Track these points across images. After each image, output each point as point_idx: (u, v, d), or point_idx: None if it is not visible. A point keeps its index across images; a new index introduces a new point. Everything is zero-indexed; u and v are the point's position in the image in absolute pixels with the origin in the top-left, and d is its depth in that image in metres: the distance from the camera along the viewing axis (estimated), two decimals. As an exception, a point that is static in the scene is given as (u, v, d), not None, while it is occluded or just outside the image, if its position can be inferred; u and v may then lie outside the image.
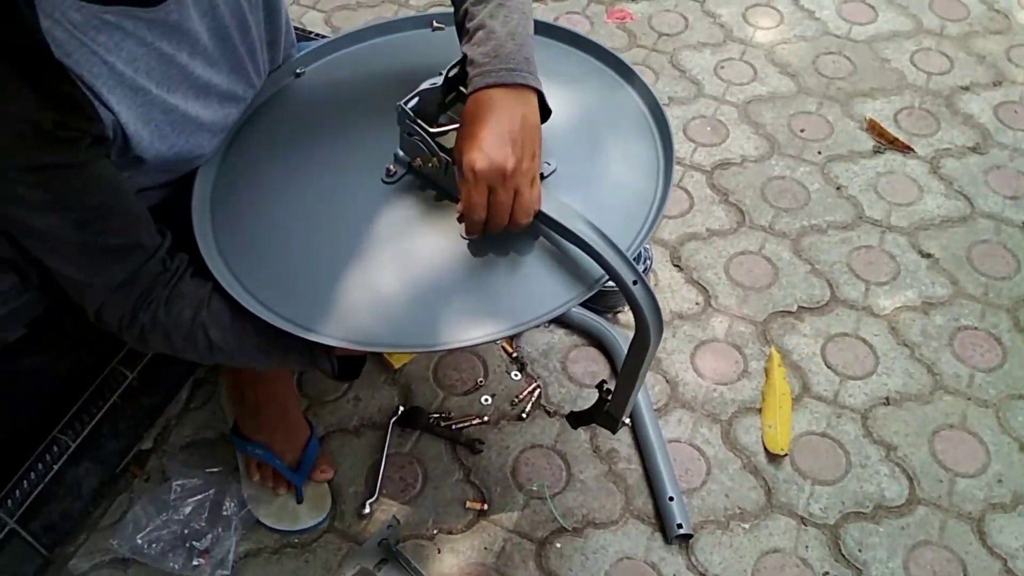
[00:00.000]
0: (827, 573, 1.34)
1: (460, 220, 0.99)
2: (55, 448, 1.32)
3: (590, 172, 1.07)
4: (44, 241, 0.93)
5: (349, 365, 1.11)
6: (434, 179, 1.04)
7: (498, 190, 0.92)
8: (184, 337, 1.01)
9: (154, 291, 0.99)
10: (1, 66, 0.81)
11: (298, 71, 1.23)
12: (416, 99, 0.98)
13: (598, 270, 0.96)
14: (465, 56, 1.00)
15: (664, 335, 1.59)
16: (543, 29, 1.20)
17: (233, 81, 1.06)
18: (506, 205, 0.93)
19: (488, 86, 0.95)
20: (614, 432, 1.22)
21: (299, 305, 0.98)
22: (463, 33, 1.03)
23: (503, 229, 0.96)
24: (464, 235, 0.99)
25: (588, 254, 0.93)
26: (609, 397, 1.15)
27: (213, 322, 1.01)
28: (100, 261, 0.95)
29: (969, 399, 1.53)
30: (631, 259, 0.92)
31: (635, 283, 0.92)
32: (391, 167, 1.06)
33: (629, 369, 1.04)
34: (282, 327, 0.96)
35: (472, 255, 1.00)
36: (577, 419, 1.22)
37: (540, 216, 0.96)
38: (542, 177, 1.01)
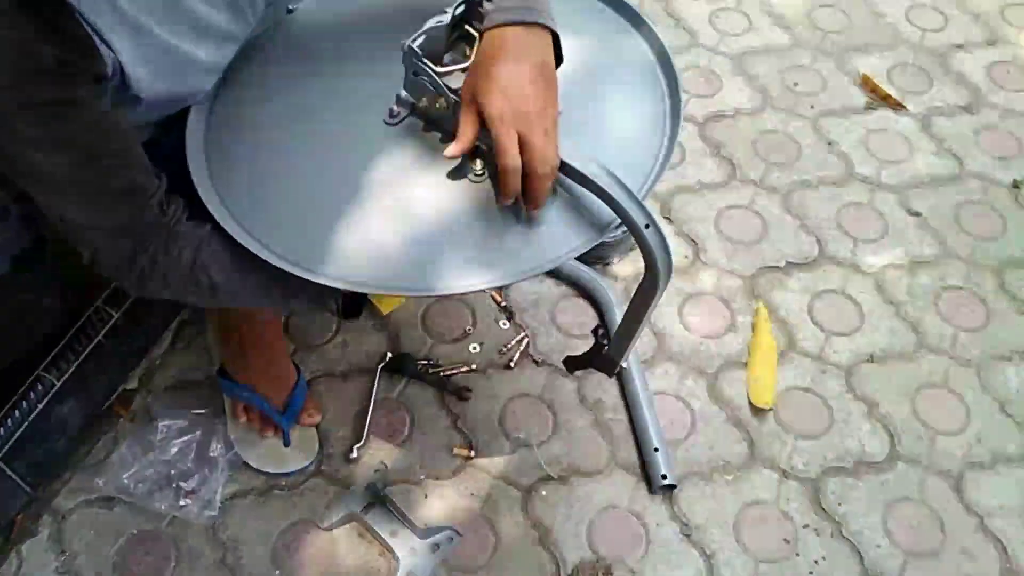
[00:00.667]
0: (807, 526, 1.36)
1: (452, 159, 0.96)
2: (39, 386, 1.31)
3: (594, 119, 1.05)
4: (44, 182, 0.90)
5: (351, 304, 1.10)
6: (439, 120, 1.02)
7: (530, 134, 0.89)
8: (184, 279, 1.00)
9: (152, 234, 0.97)
10: None
11: (290, 7, 1.19)
12: (422, 37, 0.96)
13: (605, 216, 0.95)
14: None
15: (654, 287, 1.60)
16: None
17: (230, 20, 1.03)
18: (542, 148, 0.89)
19: (507, 23, 0.92)
20: (611, 376, 1.23)
21: (299, 245, 0.96)
22: None
23: (539, 184, 0.92)
24: (502, 200, 0.95)
25: (599, 196, 0.92)
26: (605, 342, 1.16)
27: (214, 262, 1.00)
28: (100, 202, 0.93)
29: (952, 358, 1.55)
30: (643, 202, 0.91)
31: (647, 227, 0.91)
32: (394, 108, 1.03)
33: (633, 312, 1.04)
34: (282, 267, 0.94)
35: (475, 200, 0.98)
36: (574, 363, 1.22)
37: None
38: None
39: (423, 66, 0.95)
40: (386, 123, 1.03)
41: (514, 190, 0.92)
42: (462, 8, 0.98)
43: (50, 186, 0.90)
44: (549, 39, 0.95)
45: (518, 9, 0.93)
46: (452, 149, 0.93)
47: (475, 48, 0.97)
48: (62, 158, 0.88)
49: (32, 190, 0.91)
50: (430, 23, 0.97)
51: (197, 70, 1.01)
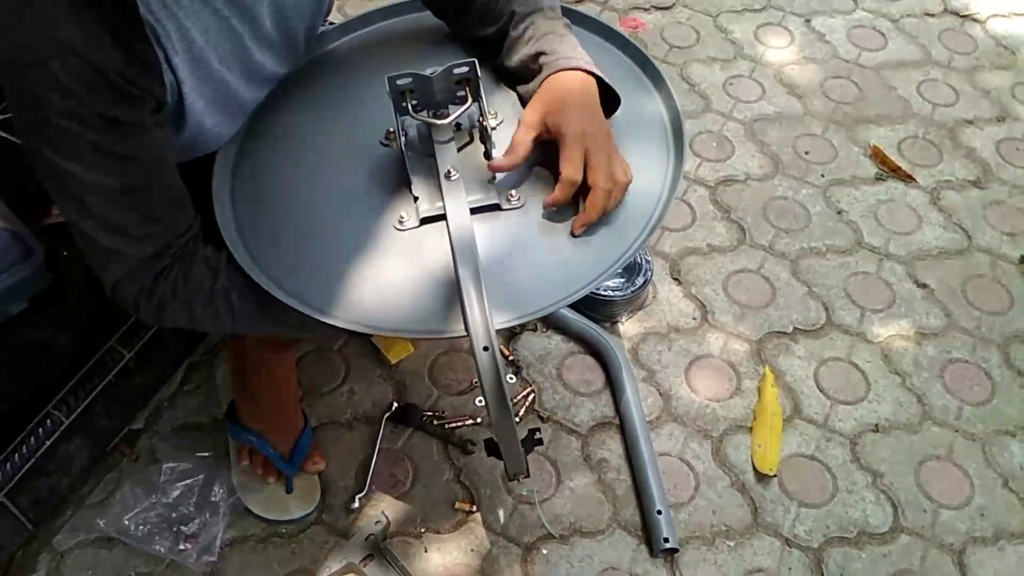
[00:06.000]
0: (808, 595, 1.36)
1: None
2: (48, 423, 1.31)
3: None
4: (88, 202, 0.91)
5: None
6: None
7: (598, 152, 0.98)
8: (205, 305, 1.01)
9: (175, 264, 0.99)
10: (89, 10, 0.81)
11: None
12: (409, 79, 0.99)
13: (612, 255, 0.97)
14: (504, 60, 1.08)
15: (659, 348, 1.61)
16: (585, 21, 1.21)
17: (276, 64, 1.08)
18: (606, 166, 0.98)
19: (570, 68, 1.02)
20: (509, 479, 1.28)
21: (315, 287, 0.98)
22: (518, 40, 1.09)
23: (595, 212, 0.98)
24: (550, 203, 1.00)
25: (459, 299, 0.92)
26: (538, 436, 1.15)
27: (234, 287, 1.01)
28: (136, 230, 0.95)
29: (956, 431, 1.55)
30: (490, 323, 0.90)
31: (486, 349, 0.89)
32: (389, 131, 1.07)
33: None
34: (300, 309, 0.96)
35: (487, 242, 1.00)
36: (491, 448, 1.15)
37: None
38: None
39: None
40: (381, 143, 1.07)
41: (564, 199, 0.99)
42: (465, 69, 1.01)
43: (89, 207, 0.91)
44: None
45: (579, 61, 1.03)
46: (504, 161, 1.00)
47: (538, 83, 1.04)
48: (110, 179, 0.90)
49: (68, 210, 0.93)
50: (427, 71, 1.00)
51: (241, 112, 1.05)
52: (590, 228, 1.00)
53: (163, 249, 0.97)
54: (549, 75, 1.02)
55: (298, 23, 1.08)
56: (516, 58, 1.09)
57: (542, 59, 1.04)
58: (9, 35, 0.81)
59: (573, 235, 1.00)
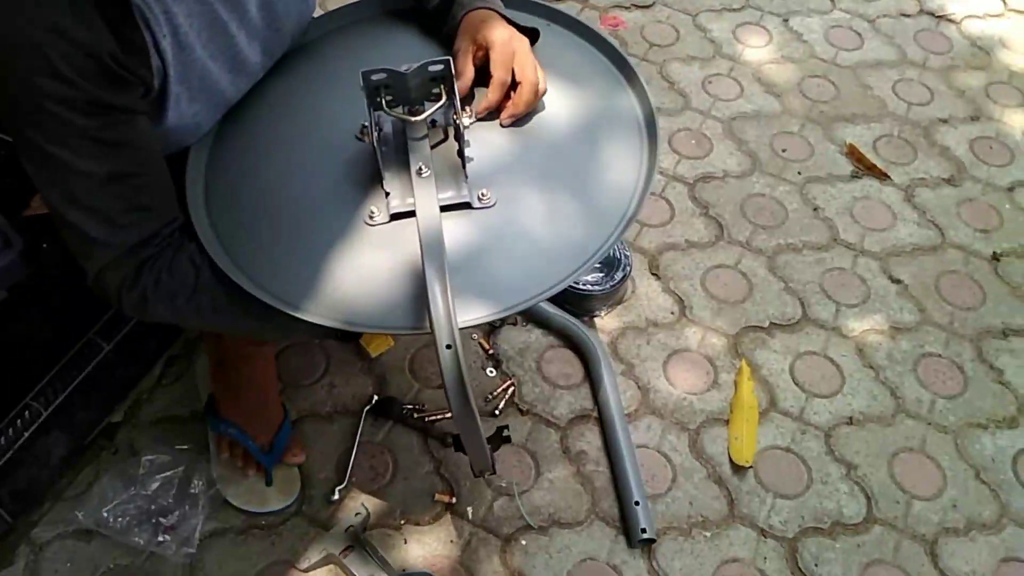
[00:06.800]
0: (783, 585, 1.38)
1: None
2: (27, 415, 1.31)
3: (574, 166, 1.08)
4: (75, 189, 0.91)
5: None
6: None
7: (523, 54, 1.07)
8: (188, 299, 1.00)
9: (159, 255, 0.99)
10: None
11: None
12: (384, 75, 0.99)
13: (592, 245, 0.98)
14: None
15: (638, 342, 1.62)
16: (562, 19, 1.23)
17: (264, 60, 1.08)
18: (532, 64, 1.07)
19: (486, 8, 1.12)
20: (476, 475, 1.28)
21: (294, 285, 0.98)
22: None
23: (523, 104, 1.08)
24: (483, 108, 1.10)
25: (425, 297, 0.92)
26: (507, 434, 1.20)
27: (218, 284, 1.01)
28: (123, 218, 0.94)
29: (929, 424, 1.57)
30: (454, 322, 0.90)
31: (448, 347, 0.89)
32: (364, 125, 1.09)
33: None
34: (278, 307, 0.96)
35: (467, 235, 1.00)
36: (457, 444, 1.16)
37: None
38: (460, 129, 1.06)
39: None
40: (357, 138, 1.09)
41: (497, 101, 1.09)
42: (441, 67, 1.01)
43: (76, 194, 0.91)
44: None
45: (489, 1, 1.14)
46: (460, 86, 1.06)
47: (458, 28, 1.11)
48: (98, 166, 0.90)
49: (52, 197, 0.92)
50: (402, 67, 0.99)
51: (221, 104, 1.05)
52: (517, 121, 1.10)
53: (148, 238, 0.97)
54: (467, 12, 1.10)
55: (284, 13, 1.08)
56: (433, 3, 1.16)
57: (457, 1, 1.13)
58: (1, 19, 0.81)
59: (502, 126, 1.09)
